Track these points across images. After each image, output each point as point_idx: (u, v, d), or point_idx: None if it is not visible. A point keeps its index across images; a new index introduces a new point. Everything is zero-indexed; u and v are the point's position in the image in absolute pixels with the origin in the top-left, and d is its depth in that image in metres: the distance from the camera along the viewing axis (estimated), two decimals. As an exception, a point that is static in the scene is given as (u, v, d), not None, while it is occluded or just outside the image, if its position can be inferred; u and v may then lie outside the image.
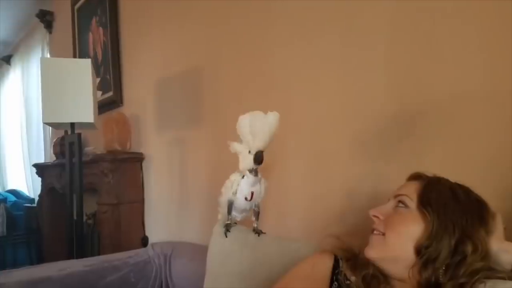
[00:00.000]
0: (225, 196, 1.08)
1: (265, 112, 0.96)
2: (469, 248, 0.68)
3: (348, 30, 1.24)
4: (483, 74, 0.93)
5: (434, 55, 1.03)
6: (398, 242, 0.74)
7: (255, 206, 1.11)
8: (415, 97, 1.07)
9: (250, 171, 1.01)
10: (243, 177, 1.03)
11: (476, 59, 0.95)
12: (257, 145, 0.97)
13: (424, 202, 0.74)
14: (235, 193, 1.06)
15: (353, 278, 0.80)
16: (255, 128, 0.96)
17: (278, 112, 0.96)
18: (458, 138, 0.97)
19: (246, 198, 1.05)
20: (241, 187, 1.04)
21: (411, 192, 0.77)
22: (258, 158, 0.97)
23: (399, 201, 0.78)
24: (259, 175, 1.03)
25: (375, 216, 0.80)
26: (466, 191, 0.75)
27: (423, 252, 0.71)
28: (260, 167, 1.01)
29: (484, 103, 0.93)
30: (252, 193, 1.05)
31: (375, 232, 0.79)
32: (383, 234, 0.76)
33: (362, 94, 1.20)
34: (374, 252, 0.77)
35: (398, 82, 1.11)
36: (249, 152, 0.98)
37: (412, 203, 0.75)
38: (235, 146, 1.00)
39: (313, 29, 1.36)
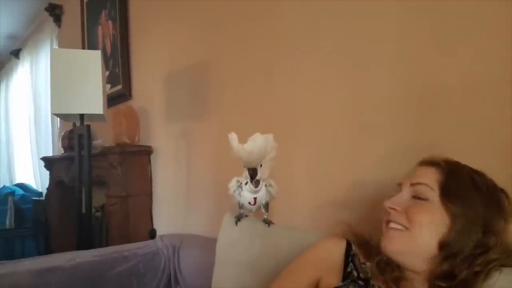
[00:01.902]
0: (233, 197, 1.09)
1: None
2: (492, 241, 0.67)
3: (355, 20, 1.23)
4: (493, 63, 0.92)
5: (442, 46, 1.01)
6: (423, 237, 0.72)
7: (263, 206, 1.11)
8: (422, 88, 1.06)
9: (250, 181, 1.01)
10: (246, 183, 1.03)
11: (486, 49, 0.93)
12: (246, 164, 0.97)
13: (449, 195, 0.71)
14: (239, 196, 1.06)
15: (367, 264, 0.79)
16: (240, 153, 0.94)
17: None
18: (467, 129, 0.96)
19: (250, 203, 1.06)
20: (243, 193, 1.05)
21: (431, 181, 0.74)
22: (250, 173, 0.97)
23: (417, 192, 0.75)
24: (260, 185, 1.02)
25: (392, 208, 0.77)
26: (484, 178, 0.73)
27: (446, 247, 0.69)
28: (264, 178, 1.02)
29: (495, 92, 0.91)
30: (255, 199, 1.05)
31: (392, 224, 0.76)
32: (406, 228, 0.73)
33: (368, 85, 1.19)
34: (394, 245, 0.75)
35: (406, 73, 1.10)
36: (244, 167, 0.98)
37: (434, 194, 0.72)
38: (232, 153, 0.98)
39: (319, 21, 1.35)
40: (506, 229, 0.69)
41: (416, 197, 0.75)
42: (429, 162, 0.78)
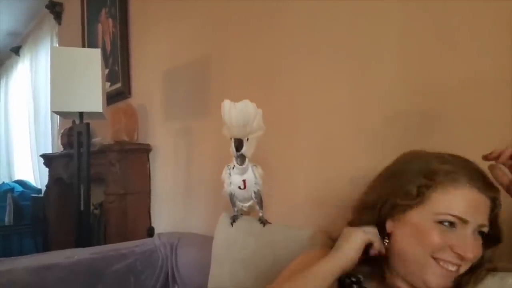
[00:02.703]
0: (224, 188, 1.09)
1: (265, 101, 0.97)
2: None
3: (358, 18, 1.24)
4: (497, 65, 0.92)
5: (446, 45, 1.02)
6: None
7: (254, 194, 1.11)
8: (425, 87, 1.06)
9: (236, 159, 1.01)
10: (233, 168, 1.04)
11: (490, 51, 0.94)
12: (232, 134, 0.98)
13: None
14: (230, 185, 1.06)
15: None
16: (227, 119, 0.96)
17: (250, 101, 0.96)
18: (470, 128, 0.97)
19: (240, 187, 1.06)
20: (232, 177, 1.06)
21: (487, 219, 0.71)
22: (235, 144, 0.98)
23: (481, 233, 0.72)
24: (246, 163, 1.03)
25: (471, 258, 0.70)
26: None
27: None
28: (249, 155, 1.01)
29: (499, 95, 0.92)
30: (244, 181, 1.05)
31: (450, 266, 0.70)
32: (459, 266, 0.70)
33: (372, 83, 1.20)
34: (446, 283, 0.71)
35: (409, 72, 1.10)
36: (231, 139, 0.99)
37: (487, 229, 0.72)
38: (223, 130, 1.01)
39: (321, 18, 1.35)
40: None
41: (477, 233, 0.72)
42: (487, 192, 0.72)
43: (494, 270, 0.72)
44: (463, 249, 0.68)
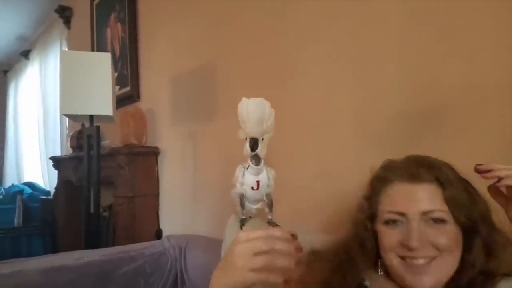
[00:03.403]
0: (235, 188, 1.09)
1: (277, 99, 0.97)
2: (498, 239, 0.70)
3: (360, 22, 1.25)
4: (498, 66, 0.93)
5: (447, 46, 1.03)
6: (456, 256, 0.71)
7: (265, 196, 1.11)
8: (428, 90, 1.07)
9: (251, 160, 1.01)
10: (247, 168, 1.04)
11: (491, 52, 0.94)
12: (248, 131, 0.96)
13: (459, 212, 0.71)
14: (242, 185, 1.07)
15: (367, 282, 0.78)
16: (242, 115, 0.95)
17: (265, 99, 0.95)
18: (473, 131, 0.97)
19: (252, 188, 1.05)
20: (245, 177, 1.04)
21: (439, 203, 0.71)
22: (250, 144, 0.96)
23: (433, 219, 0.71)
24: (261, 164, 1.03)
25: (419, 247, 0.70)
26: (457, 172, 0.75)
27: (465, 261, 0.71)
28: (263, 156, 1.00)
29: (500, 95, 0.92)
30: (258, 182, 1.05)
31: (421, 261, 0.71)
32: (435, 258, 0.71)
33: (375, 87, 1.21)
34: (433, 278, 0.71)
35: (412, 75, 1.11)
36: (246, 139, 0.98)
37: (447, 215, 0.71)
38: (239, 133, 1.00)
39: (325, 22, 1.36)
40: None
41: (433, 222, 0.72)
42: (419, 179, 0.74)
43: (509, 275, 0.71)
44: (407, 240, 0.70)
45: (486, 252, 0.70)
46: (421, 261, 0.70)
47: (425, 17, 1.08)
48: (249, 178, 1.05)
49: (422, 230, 0.70)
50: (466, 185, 0.74)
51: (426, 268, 0.70)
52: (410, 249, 0.70)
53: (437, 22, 1.05)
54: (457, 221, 0.71)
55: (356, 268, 0.78)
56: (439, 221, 0.71)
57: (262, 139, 0.98)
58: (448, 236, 0.71)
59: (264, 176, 1.06)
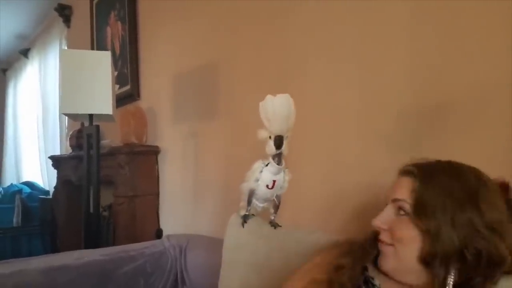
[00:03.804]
0: (247, 183, 1.07)
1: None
2: (472, 253, 0.65)
3: (368, 20, 1.24)
4: (507, 64, 0.92)
5: (455, 45, 1.02)
6: (406, 253, 0.71)
7: (276, 197, 1.10)
8: (436, 88, 1.06)
9: (273, 158, 1.00)
10: (267, 165, 1.03)
11: (500, 50, 0.93)
12: (273, 129, 0.96)
13: (419, 210, 0.70)
14: (256, 180, 1.05)
15: (377, 282, 0.77)
16: (267, 112, 0.95)
17: (290, 96, 0.95)
18: (482, 130, 0.96)
19: (267, 186, 1.04)
20: (263, 174, 1.03)
21: (407, 194, 0.72)
22: (276, 142, 0.96)
23: (399, 207, 0.74)
24: (283, 164, 1.02)
25: (379, 227, 0.76)
26: (463, 179, 0.70)
27: (431, 262, 0.67)
28: (286, 154, 0.99)
29: (509, 93, 0.91)
30: (274, 182, 1.04)
31: (383, 244, 0.76)
32: (392, 245, 0.73)
33: (382, 86, 1.20)
34: (387, 264, 0.75)
35: (420, 73, 1.10)
36: (270, 137, 0.97)
37: (410, 209, 0.71)
38: (261, 133, 0.99)
39: (331, 19, 1.35)
40: (493, 234, 0.66)
41: (399, 212, 0.74)
42: (406, 172, 0.77)
43: (509, 272, 0.69)
44: (374, 222, 0.76)
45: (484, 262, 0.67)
46: (382, 245, 0.76)
47: (432, 15, 1.07)
48: (266, 176, 1.03)
49: (389, 215, 0.75)
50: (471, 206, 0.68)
51: (384, 252, 0.75)
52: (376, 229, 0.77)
53: (447, 18, 1.04)
54: (416, 222, 0.69)
55: (364, 251, 0.80)
56: (403, 211, 0.73)
57: (287, 136, 0.97)
58: (403, 226, 0.72)
59: (281, 177, 1.04)
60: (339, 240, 0.93)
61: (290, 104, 0.95)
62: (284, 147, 0.98)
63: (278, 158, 1.00)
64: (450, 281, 0.66)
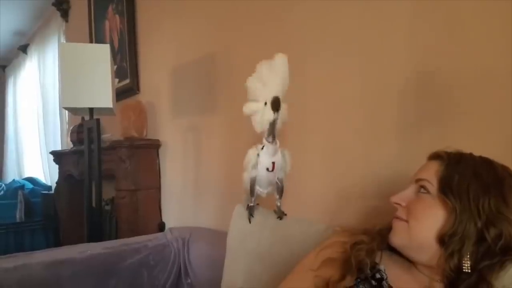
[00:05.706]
0: (247, 172, 1.05)
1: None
2: (492, 234, 0.65)
3: (368, 8, 1.22)
4: (507, 50, 0.91)
5: (456, 38, 1.01)
6: (421, 230, 0.72)
7: (278, 179, 1.08)
8: (437, 77, 1.05)
9: (268, 134, 0.96)
10: (262, 148, 1.01)
11: (500, 36, 0.93)
12: (271, 90, 0.92)
13: (445, 188, 0.70)
14: (254, 166, 1.03)
15: (382, 267, 0.77)
16: (263, 76, 0.92)
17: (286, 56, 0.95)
18: (482, 117, 0.96)
19: (267, 169, 1.01)
20: (261, 158, 1.00)
21: (431, 175, 0.73)
22: (275, 104, 0.90)
23: (421, 186, 0.75)
24: (277, 142, 0.99)
25: (396, 203, 0.77)
26: (490, 167, 0.71)
27: (447, 241, 0.68)
28: (284, 120, 0.96)
29: (509, 80, 0.91)
30: (273, 163, 1.02)
31: (396, 220, 0.77)
32: (406, 222, 0.74)
33: (382, 74, 1.19)
34: (397, 239, 0.76)
35: (420, 61, 1.09)
36: (265, 104, 0.92)
37: (433, 188, 0.72)
38: (250, 105, 0.95)
39: (330, 10, 1.34)
40: None
41: (420, 191, 0.75)
42: (435, 156, 0.78)
43: None
44: (392, 198, 0.78)
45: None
46: (396, 220, 0.77)
47: (433, 8, 1.05)
48: (264, 159, 1.01)
49: (409, 193, 0.77)
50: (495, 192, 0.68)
51: (397, 227, 0.76)
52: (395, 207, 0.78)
53: (447, 4, 1.02)
54: (442, 198, 0.70)
55: (382, 235, 0.81)
56: (424, 190, 0.74)
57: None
58: (421, 204, 0.73)
59: (279, 157, 1.03)
60: (351, 227, 0.94)
61: (287, 65, 0.93)
62: (281, 114, 0.93)
63: (271, 131, 0.96)
64: (466, 262, 0.67)
